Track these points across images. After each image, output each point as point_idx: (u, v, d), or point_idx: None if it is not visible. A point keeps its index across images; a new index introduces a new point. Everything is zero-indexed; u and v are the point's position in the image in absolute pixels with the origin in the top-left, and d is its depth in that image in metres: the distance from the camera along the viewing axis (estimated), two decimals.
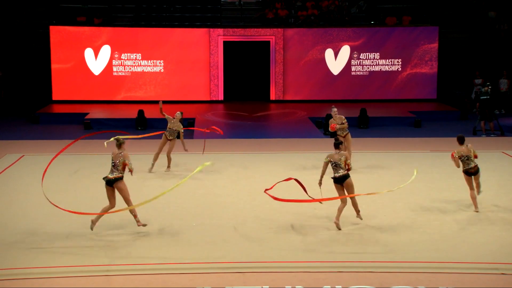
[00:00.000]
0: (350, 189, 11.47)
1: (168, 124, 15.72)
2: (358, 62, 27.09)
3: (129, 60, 26.72)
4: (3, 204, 13.00)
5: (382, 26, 27.57)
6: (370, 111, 23.51)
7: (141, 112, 22.93)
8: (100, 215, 11.16)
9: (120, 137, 11.50)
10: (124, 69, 26.76)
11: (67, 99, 26.37)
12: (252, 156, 17.72)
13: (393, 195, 12.88)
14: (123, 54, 26.65)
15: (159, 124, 22.71)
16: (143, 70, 26.77)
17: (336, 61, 27.03)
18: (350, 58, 27.00)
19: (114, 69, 26.71)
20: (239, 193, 13.97)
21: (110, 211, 11.16)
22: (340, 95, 26.92)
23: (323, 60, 26.90)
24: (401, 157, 17.59)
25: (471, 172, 12.42)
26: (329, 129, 15.79)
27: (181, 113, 15.94)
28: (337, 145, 11.66)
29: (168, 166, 15.81)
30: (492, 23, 27.87)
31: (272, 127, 23.29)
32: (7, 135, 21.03)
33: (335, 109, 15.85)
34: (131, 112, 23.71)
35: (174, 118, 15.73)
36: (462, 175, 12.63)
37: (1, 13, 27.55)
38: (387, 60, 27.09)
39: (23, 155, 17.35)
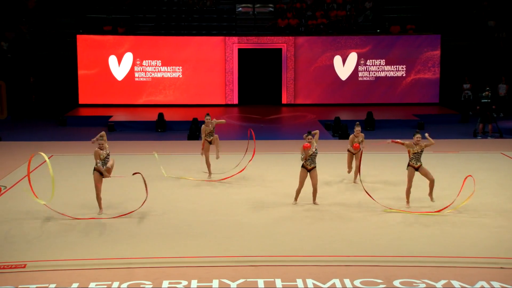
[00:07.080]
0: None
1: (206, 130, 14.86)
2: (365, 68, 26.99)
3: (149, 66, 26.76)
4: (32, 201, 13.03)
5: (387, 35, 27.46)
6: (376, 114, 23.42)
7: (161, 115, 22.95)
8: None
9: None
10: (145, 75, 26.80)
11: (92, 103, 26.46)
12: (265, 156, 17.68)
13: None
14: (144, 61, 26.70)
15: (178, 126, 22.82)
16: (163, 75, 26.80)
17: (344, 67, 26.95)
18: (357, 64, 26.91)
19: (136, 74, 26.76)
20: (251, 191, 13.94)
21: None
22: (348, 99, 26.90)
23: (331, 66, 26.84)
24: (405, 158, 17.41)
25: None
26: (353, 148, 14.32)
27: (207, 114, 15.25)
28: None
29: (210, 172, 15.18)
30: (491, 32, 27.69)
31: (283, 129, 23.23)
32: (37, 136, 21.16)
33: (358, 128, 14.42)
34: (151, 115, 23.75)
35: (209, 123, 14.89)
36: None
37: (32, 23, 27.70)
38: (392, 66, 26.97)
39: (52, 155, 17.36)
